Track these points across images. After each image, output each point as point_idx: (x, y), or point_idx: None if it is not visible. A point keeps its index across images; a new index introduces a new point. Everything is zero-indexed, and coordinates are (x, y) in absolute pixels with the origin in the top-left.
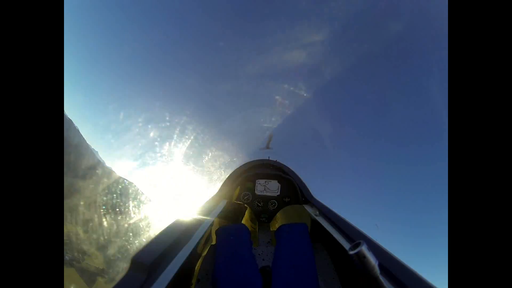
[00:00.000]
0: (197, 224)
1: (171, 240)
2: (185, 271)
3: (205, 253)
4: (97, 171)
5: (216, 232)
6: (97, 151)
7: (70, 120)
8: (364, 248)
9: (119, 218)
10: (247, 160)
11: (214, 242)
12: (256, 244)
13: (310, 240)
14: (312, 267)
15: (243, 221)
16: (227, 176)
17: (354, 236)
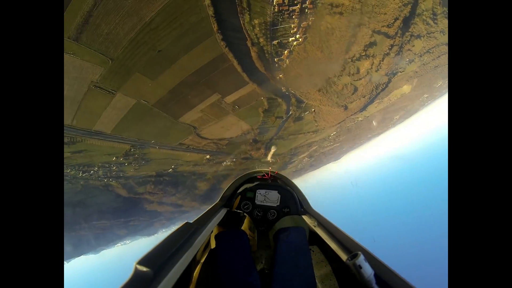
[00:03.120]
0: (198, 231)
1: (174, 248)
2: (184, 278)
3: (203, 259)
4: None
5: (216, 237)
6: None
7: None
8: (360, 259)
9: None
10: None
11: (213, 246)
12: (254, 249)
13: (307, 243)
14: (310, 270)
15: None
16: (228, 186)
17: (352, 247)
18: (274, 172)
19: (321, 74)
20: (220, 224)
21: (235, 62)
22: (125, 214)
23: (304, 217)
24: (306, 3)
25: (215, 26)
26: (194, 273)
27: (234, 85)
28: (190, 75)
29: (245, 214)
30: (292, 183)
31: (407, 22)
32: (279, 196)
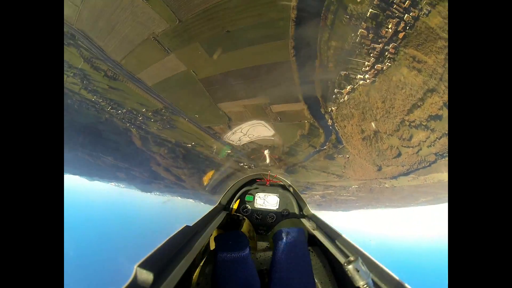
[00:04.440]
0: (198, 234)
1: (174, 251)
2: (185, 280)
3: (202, 261)
4: None
5: (215, 239)
6: None
7: None
8: (358, 263)
9: None
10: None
11: (212, 248)
12: (254, 250)
13: (307, 243)
14: (309, 270)
15: None
16: (228, 189)
17: (350, 250)
18: (273, 176)
19: (372, 122)
20: (219, 227)
21: (296, 75)
22: (131, 163)
23: (303, 220)
24: (389, 46)
25: (291, 31)
26: (194, 275)
27: (287, 97)
28: (247, 68)
29: (244, 217)
30: (292, 186)
31: None
32: (278, 199)
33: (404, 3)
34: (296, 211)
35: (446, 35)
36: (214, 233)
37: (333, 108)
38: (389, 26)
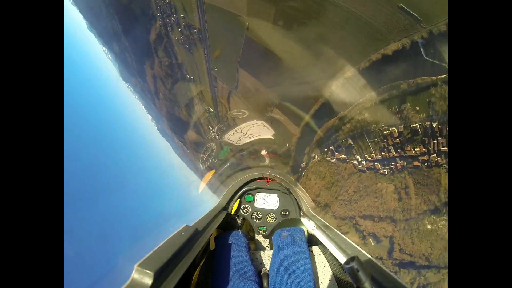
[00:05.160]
0: (198, 234)
1: (173, 250)
2: (184, 280)
3: (202, 261)
4: None
5: (215, 239)
6: None
7: None
8: (358, 262)
9: None
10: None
11: (212, 248)
12: (253, 250)
13: (306, 243)
14: (309, 270)
15: None
16: (227, 189)
17: (350, 250)
18: (273, 176)
19: (331, 197)
20: (219, 227)
21: (317, 106)
22: (132, 46)
23: (303, 220)
24: (400, 161)
25: (351, 72)
26: (194, 275)
27: (294, 114)
28: (289, 62)
29: (244, 217)
30: (291, 186)
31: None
32: (278, 199)
33: (444, 146)
34: (296, 211)
35: (444, 209)
36: (214, 233)
37: (316, 157)
38: (416, 149)
